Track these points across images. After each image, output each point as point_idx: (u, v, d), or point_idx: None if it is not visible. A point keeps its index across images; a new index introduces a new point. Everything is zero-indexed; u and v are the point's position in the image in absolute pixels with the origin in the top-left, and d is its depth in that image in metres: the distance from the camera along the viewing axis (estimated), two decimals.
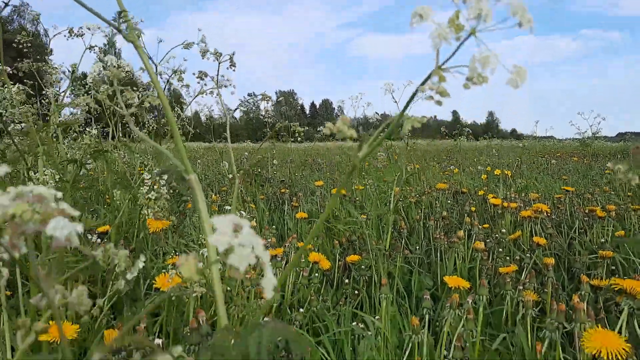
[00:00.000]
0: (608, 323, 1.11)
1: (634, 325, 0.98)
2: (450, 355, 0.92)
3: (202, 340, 0.77)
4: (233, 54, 1.33)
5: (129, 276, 0.46)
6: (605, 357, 0.73)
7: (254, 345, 0.41)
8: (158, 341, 0.81)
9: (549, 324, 0.91)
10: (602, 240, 1.76)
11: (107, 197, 1.87)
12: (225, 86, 1.39)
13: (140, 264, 0.51)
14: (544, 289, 1.50)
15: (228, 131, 1.34)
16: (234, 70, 1.31)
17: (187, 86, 1.67)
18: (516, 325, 1.14)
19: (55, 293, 0.38)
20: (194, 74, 1.47)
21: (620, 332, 0.91)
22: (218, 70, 1.37)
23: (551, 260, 1.42)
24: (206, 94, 1.49)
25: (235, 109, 1.58)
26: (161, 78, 1.61)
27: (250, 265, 0.26)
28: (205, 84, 1.48)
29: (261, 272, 0.27)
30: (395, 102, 3.90)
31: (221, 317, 0.51)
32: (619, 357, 0.74)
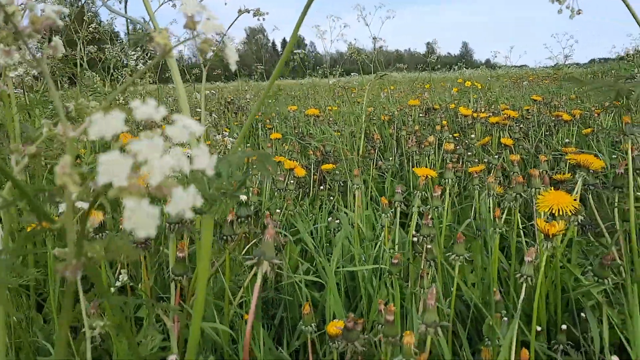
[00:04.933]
0: None
1: (589, 199, 1.04)
2: (419, 232, 0.97)
3: None
4: None
5: None
6: (556, 213, 0.79)
7: (225, 166, 0.44)
8: None
9: (508, 194, 0.97)
10: (567, 140, 1.83)
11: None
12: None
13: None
14: (510, 185, 1.57)
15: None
16: None
17: None
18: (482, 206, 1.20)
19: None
20: None
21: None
22: None
23: (516, 157, 1.48)
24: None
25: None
26: None
27: (215, 36, 0.28)
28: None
29: (224, 47, 0.30)
30: (367, 25, 3.82)
31: None
32: (569, 213, 0.80)
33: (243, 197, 0.83)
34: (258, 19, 0.94)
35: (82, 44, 1.74)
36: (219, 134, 1.29)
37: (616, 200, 0.95)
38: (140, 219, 0.23)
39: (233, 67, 0.30)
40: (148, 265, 1.10)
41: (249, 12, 0.91)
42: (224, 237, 0.82)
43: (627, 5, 0.46)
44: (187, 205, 0.24)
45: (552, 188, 0.90)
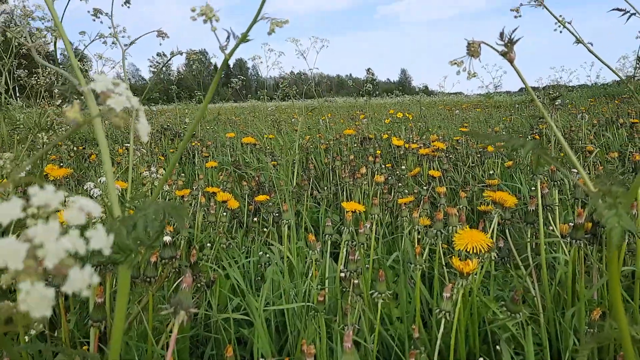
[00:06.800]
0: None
1: (506, 232, 1.10)
2: (346, 268, 0.99)
3: None
4: None
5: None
6: (471, 251, 0.84)
7: (141, 220, 0.44)
8: None
9: (429, 231, 1.01)
10: (491, 172, 1.92)
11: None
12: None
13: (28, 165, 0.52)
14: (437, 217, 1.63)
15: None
16: (129, 7, 1.27)
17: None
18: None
19: None
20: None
21: (492, 237, 1.03)
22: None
23: (443, 189, 1.54)
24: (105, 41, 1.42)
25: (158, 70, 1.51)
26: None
27: (125, 108, 0.29)
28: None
29: (136, 122, 0.31)
30: (303, 57, 3.89)
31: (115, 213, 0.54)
32: (483, 250, 0.85)
33: (167, 239, 0.82)
34: (190, 61, 0.95)
35: (8, 72, 1.68)
36: (147, 171, 1.27)
37: (528, 235, 1.01)
38: (35, 301, 0.23)
39: (144, 138, 0.31)
40: (71, 307, 1.07)
41: (182, 54, 0.92)
42: (147, 279, 0.81)
43: (515, 69, 0.51)
44: (84, 284, 0.25)
45: (467, 226, 0.95)
